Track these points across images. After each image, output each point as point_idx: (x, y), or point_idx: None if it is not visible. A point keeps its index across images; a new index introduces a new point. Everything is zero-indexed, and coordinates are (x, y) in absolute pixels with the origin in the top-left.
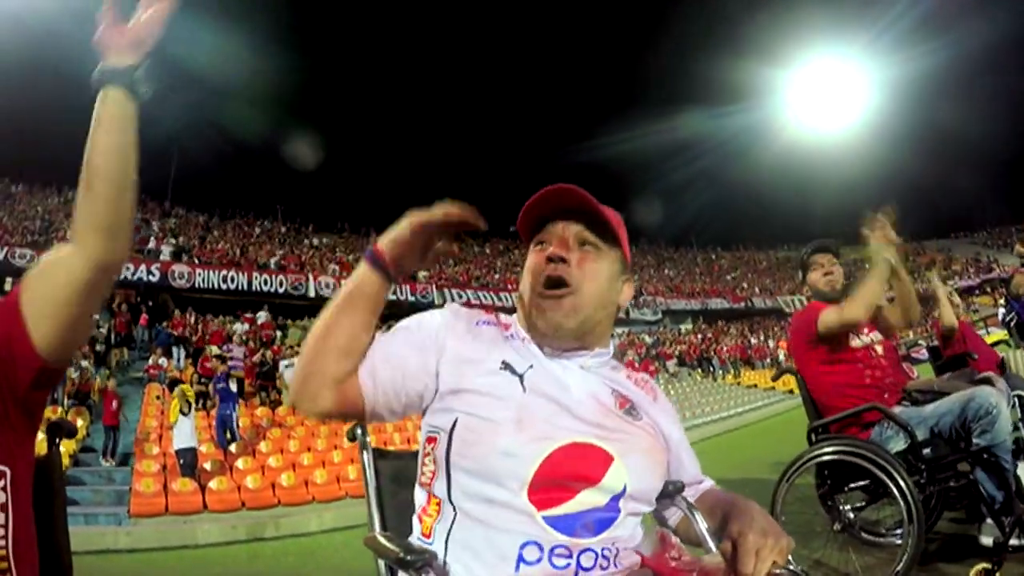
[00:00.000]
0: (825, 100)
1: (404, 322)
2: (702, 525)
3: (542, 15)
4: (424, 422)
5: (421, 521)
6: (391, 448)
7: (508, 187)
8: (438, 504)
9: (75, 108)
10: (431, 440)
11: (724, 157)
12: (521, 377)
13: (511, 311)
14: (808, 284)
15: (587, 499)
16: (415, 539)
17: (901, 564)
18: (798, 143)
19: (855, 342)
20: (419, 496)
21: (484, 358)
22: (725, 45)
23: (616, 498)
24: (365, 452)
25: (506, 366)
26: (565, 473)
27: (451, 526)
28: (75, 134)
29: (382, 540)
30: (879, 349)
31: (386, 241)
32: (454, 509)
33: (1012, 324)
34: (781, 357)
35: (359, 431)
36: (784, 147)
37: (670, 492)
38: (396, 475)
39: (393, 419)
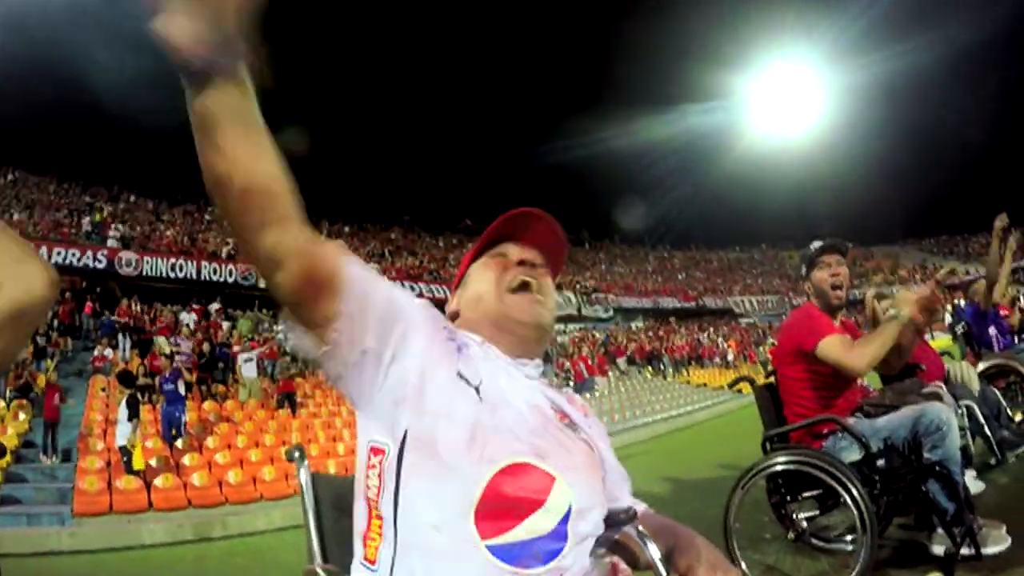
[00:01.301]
0: (782, 105)
1: (395, 284)
2: (656, 554)
3: (507, 19)
4: (365, 425)
5: (365, 544)
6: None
7: (462, 183)
8: (380, 525)
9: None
10: (378, 451)
11: (680, 159)
12: (476, 388)
13: None
14: (811, 282)
15: (534, 525)
16: (358, 564)
17: (855, 572)
18: (754, 147)
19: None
20: (360, 511)
21: (442, 367)
22: (685, 49)
23: (563, 521)
24: (303, 474)
25: (461, 376)
26: (510, 497)
27: (394, 554)
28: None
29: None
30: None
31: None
32: (396, 533)
33: (960, 333)
34: (730, 357)
35: (297, 453)
36: (740, 150)
37: (622, 520)
38: (337, 500)
39: (343, 353)
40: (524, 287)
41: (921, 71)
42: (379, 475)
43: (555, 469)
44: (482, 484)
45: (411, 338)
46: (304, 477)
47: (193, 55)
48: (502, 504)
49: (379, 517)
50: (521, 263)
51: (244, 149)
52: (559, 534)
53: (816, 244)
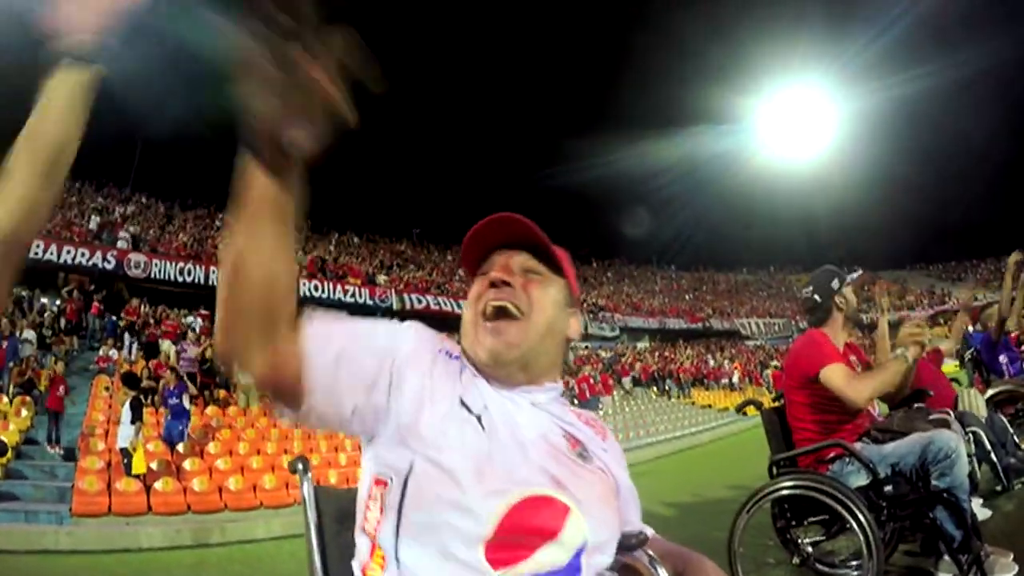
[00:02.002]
0: (793, 128)
1: (364, 321)
2: None
3: (521, 41)
4: (370, 457)
5: (365, 575)
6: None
7: (474, 199)
8: (383, 557)
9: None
10: (381, 483)
11: (690, 181)
12: (479, 418)
13: None
14: (842, 293)
15: (547, 557)
16: None
17: None
18: (764, 170)
19: None
20: (361, 543)
21: (443, 396)
22: (694, 72)
23: (577, 555)
24: (306, 486)
25: (463, 404)
26: (524, 528)
27: None
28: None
29: None
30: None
31: (259, 104)
32: (398, 565)
33: (969, 360)
34: (735, 379)
35: (300, 465)
36: (750, 174)
37: (632, 544)
38: (339, 514)
39: (321, 423)
40: (496, 316)
41: (932, 97)
42: (380, 507)
43: (571, 500)
44: (494, 517)
45: (404, 375)
46: (307, 489)
47: (276, 140)
48: (514, 536)
49: (380, 548)
50: (493, 284)
51: (276, 244)
52: (573, 567)
53: (856, 268)
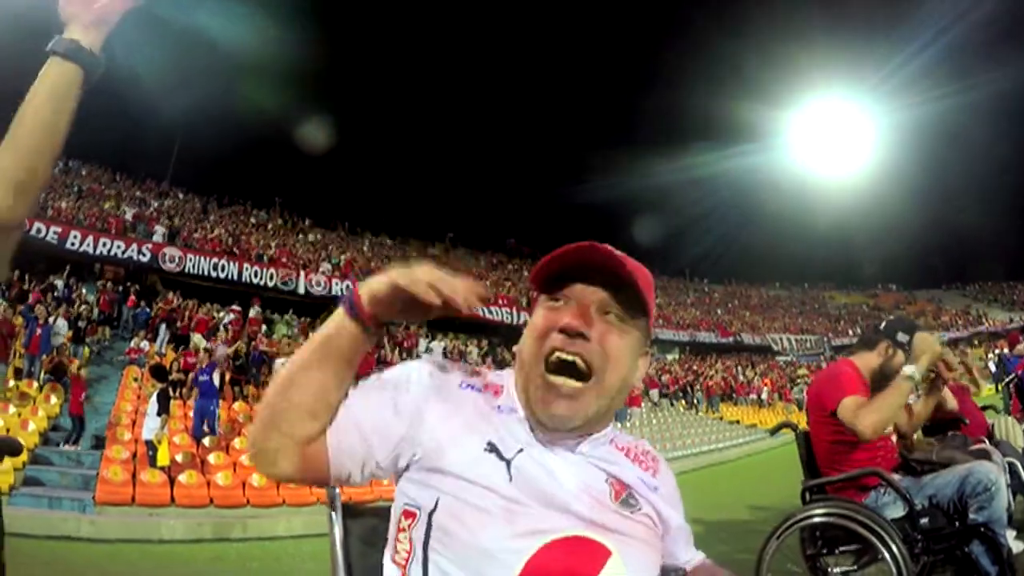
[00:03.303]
0: (828, 143)
1: (373, 380)
2: None
3: (550, 55)
4: (400, 488)
5: None
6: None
7: (508, 205)
8: None
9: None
10: (409, 515)
11: (724, 196)
12: (508, 463)
13: (499, 326)
14: (901, 343)
15: None
16: None
17: None
18: (799, 184)
19: None
20: (392, 573)
21: (468, 436)
22: (728, 86)
23: None
24: (334, 507)
25: (492, 448)
26: (556, 571)
27: None
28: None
29: None
30: (890, 429)
31: (366, 292)
32: None
33: (1012, 385)
34: (764, 395)
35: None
36: (785, 188)
37: None
38: (367, 535)
39: (360, 484)
40: (569, 370)
41: (971, 112)
42: (409, 540)
43: (612, 544)
44: (525, 557)
45: (426, 418)
46: (335, 512)
47: (370, 322)
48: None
49: None
50: (566, 332)
51: (338, 385)
52: None
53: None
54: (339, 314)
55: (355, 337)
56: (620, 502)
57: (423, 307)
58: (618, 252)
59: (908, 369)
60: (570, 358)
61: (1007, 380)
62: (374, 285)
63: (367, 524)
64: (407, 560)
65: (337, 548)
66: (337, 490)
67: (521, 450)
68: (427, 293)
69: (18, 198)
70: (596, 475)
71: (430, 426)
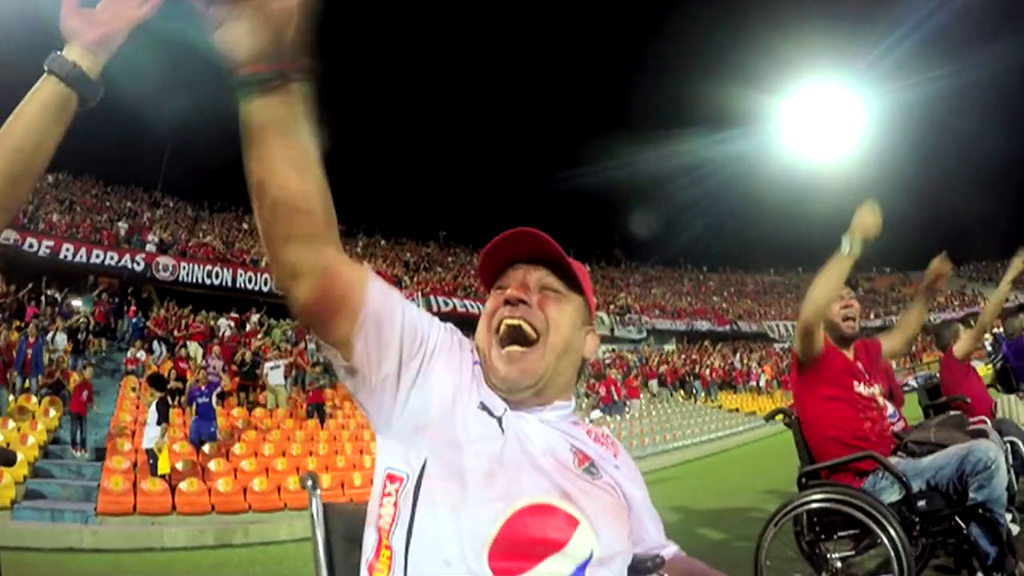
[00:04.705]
0: (819, 127)
1: (415, 308)
2: None
3: (540, 43)
4: (384, 451)
5: (370, 574)
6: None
7: (500, 201)
8: (389, 556)
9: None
10: (395, 479)
11: (716, 181)
12: (499, 420)
13: None
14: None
15: (550, 569)
16: None
17: None
18: (790, 169)
19: (860, 388)
20: (369, 539)
21: (464, 395)
22: (718, 71)
23: (581, 567)
24: (315, 504)
25: (483, 407)
26: (528, 537)
27: None
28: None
29: None
30: (881, 401)
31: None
32: (405, 566)
33: (998, 367)
34: (763, 382)
35: (309, 481)
36: (777, 173)
37: (648, 568)
38: (349, 532)
39: (366, 369)
40: (516, 336)
41: (962, 94)
42: (394, 504)
43: (579, 512)
44: (499, 522)
45: (433, 365)
46: (315, 507)
47: (250, 68)
48: (519, 544)
49: (388, 548)
50: (509, 302)
51: (284, 162)
52: None
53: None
54: (241, 103)
55: (275, 102)
56: (583, 469)
57: None
58: (544, 235)
59: (845, 242)
60: (515, 322)
61: (994, 360)
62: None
63: (349, 524)
64: (391, 524)
65: (319, 546)
66: (318, 491)
67: (505, 410)
68: None
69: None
70: (561, 442)
71: (436, 376)
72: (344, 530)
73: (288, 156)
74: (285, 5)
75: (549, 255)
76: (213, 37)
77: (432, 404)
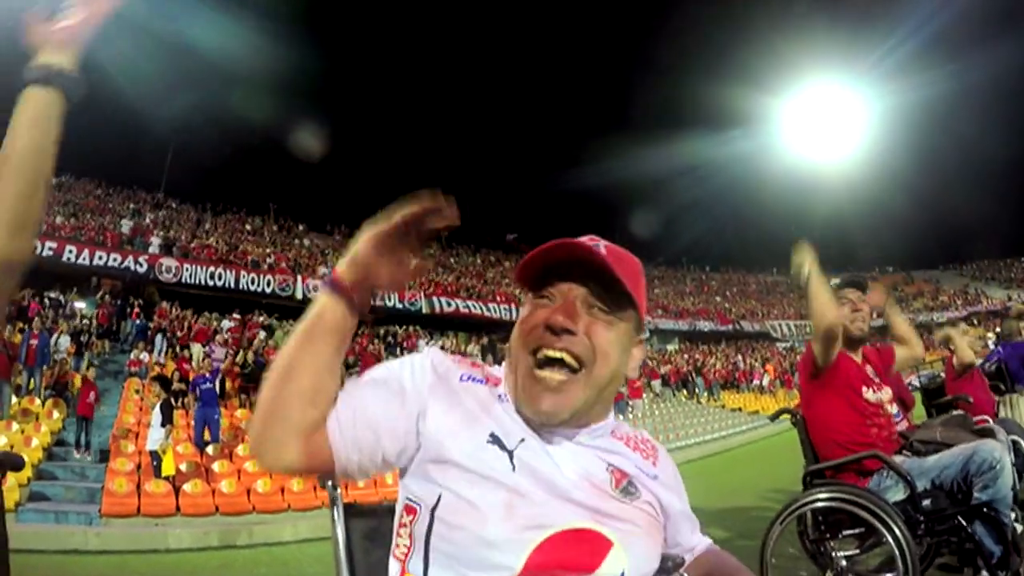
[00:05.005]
0: (821, 127)
1: (377, 371)
2: None
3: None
4: (403, 484)
5: None
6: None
7: (503, 201)
8: None
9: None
10: (410, 511)
11: (718, 181)
12: (511, 454)
13: (499, 323)
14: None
15: None
16: None
17: None
18: (792, 169)
19: (868, 395)
20: (393, 569)
21: (470, 428)
22: (720, 71)
23: None
24: (335, 508)
25: (494, 439)
26: (558, 563)
27: None
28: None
29: None
30: (889, 408)
31: (344, 263)
32: None
33: (992, 370)
34: (765, 382)
35: (330, 483)
36: (779, 172)
37: (668, 568)
38: (369, 533)
39: (365, 478)
40: (550, 364)
41: (964, 94)
42: (409, 536)
43: (613, 534)
44: (526, 552)
45: (428, 413)
46: (336, 507)
47: (355, 294)
48: (548, 571)
49: (409, 574)
50: (552, 330)
51: (331, 368)
52: None
53: (834, 281)
54: (321, 296)
55: (340, 315)
56: (620, 490)
57: (402, 259)
58: (602, 246)
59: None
60: (557, 355)
61: (990, 362)
62: (349, 252)
63: (369, 524)
64: (407, 555)
65: (340, 548)
66: (339, 491)
67: (523, 440)
68: (400, 217)
69: (18, 234)
70: (596, 464)
71: (433, 418)
72: (363, 529)
73: (338, 358)
74: (403, 282)
75: (602, 271)
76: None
77: (434, 447)
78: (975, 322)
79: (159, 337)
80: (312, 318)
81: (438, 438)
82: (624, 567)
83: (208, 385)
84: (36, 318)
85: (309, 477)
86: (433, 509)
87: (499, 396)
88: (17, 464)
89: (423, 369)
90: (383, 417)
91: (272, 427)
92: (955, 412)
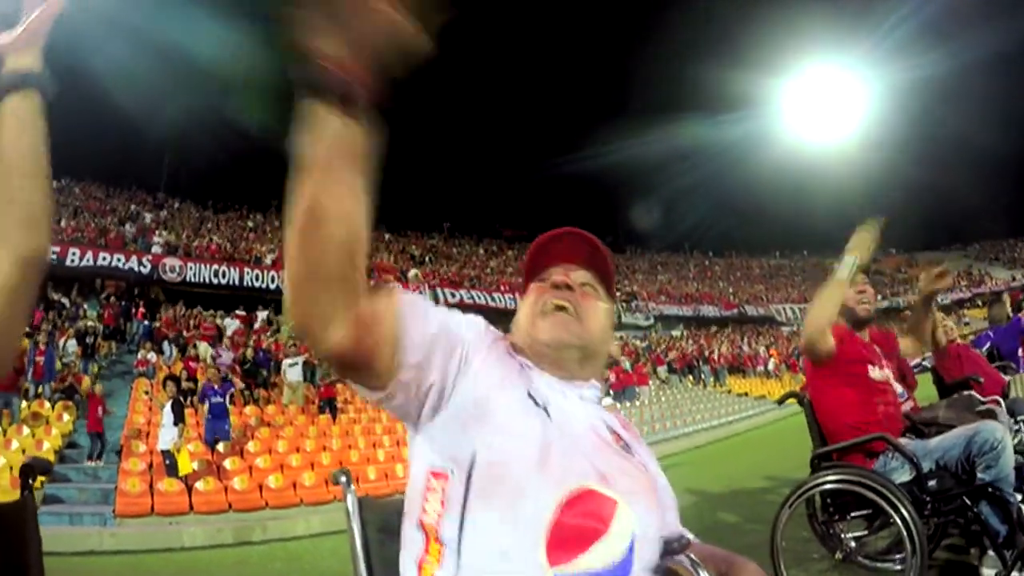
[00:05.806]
0: (821, 109)
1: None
2: None
3: (539, 27)
4: (423, 445)
5: (420, 569)
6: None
7: (504, 191)
8: (440, 551)
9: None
10: (439, 475)
11: (719, 165)
12: (546, 409)
13: (503, 312)
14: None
15: (603, 553)
16: None
17: None
18: (793, 151)
19: (874, 373)
20: (416, 537)
21: (513, 386)
22: (719, 53)
23: (630, 549)
24: (350, 499)
25: (531, 396)
26: (577, 523)
27: None
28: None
29: None
30: (895, 385)
31: (322, 41)
32: (458, 559)
33: (984, 354)
34: (771, 366)
35: (343, 477)
36: (779, 155)
37: (675, 548)
38: (383, 524)
39: (390, 404)
40: (556, 310)
41: (966, 74)
42: (441, 500)
43: (617, 493)
44: (552, 508)
45: (472, 362)
46: (351, 502)
47: (329, 64)
48: (570, 531)
49: (439, 541)
50: (556, 287)
51: (349, 193)
52: (627, 563)
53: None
54: (313, 108)
55: (343, 123)
56: (620, 446)
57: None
58: (591, 237)
59: (842, 263)
60: (561, 302)
61: (982, 346)
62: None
63: (384, 516)
64: (439, 519)
65: (357, 541)
66: (352, 485)
67: (548, 400)
68: None
69: (33, 234)
70: (599, 421)
71: (479, 369)
72: (377, 522)
73: (352, 187)
74: (390, 17)
75: (594, 260)
76: (294, 16)
77: (477, 399)
78: (980, 303)
79: (166, 345)
80: (322, 143)
81: (481, 391)
82: (633, 525)
83: (219, 399)
84: (42, 324)
85: (351, 369)
86: (469, 470)
87: (521, 365)
88: (45, 468)
89: (474, 322)
90: (447, 326)
91: (313, 291)
92: (964, 393)
